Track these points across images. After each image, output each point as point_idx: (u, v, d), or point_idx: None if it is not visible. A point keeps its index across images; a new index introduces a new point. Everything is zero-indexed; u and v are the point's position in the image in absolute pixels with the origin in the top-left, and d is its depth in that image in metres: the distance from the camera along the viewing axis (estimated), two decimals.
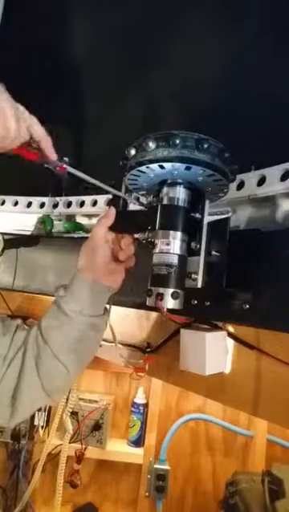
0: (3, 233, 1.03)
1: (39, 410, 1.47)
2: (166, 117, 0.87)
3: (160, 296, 0.55)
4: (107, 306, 0.65)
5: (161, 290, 0.55)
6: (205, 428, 1.50)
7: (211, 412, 1.46)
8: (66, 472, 1.28)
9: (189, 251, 0.58)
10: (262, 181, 0.64)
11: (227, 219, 0.59)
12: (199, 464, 1.49)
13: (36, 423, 1.48)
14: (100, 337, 0.65)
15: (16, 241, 1.02)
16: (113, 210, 0.61)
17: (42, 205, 1.03)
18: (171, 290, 0.55)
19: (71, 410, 1.24)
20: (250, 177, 0.65)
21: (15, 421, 0.61)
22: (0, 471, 1.56)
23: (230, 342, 0.74)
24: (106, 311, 0.64)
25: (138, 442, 1.49)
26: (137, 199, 0.65)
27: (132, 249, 0.63)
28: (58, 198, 1.01)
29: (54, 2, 1.13)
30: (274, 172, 0.62)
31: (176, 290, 0.55)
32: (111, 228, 0.61)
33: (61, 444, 1.31)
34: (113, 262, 0.63)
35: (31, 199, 1.05)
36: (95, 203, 0.92)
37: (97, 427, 1.45)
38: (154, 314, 0.90)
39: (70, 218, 1.01)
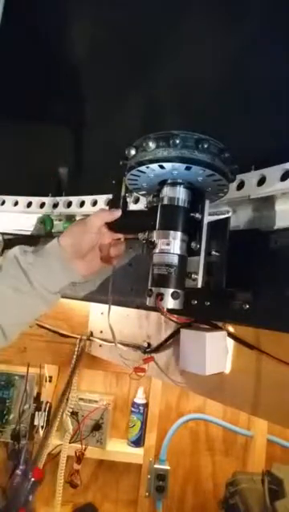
0: (3, 233, 1.03)
1: (39, 410, 1.47)
2: (166, 117, 0.87)
3: (161, 296, 0.55)
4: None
5: (161, 290, 0.55)
6: (205, 428, 1.49)
7: (211, 412, 1.45)
8: (66, 472, 1.27)
9: (189, 251, 0.58)
10: (262, 181, 0.64)
11: (227, 219, 0.59)
12: (199, 464, 1.49)
13: (36, 423, 1.48)
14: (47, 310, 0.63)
15: (16, 241, 1.02)
16: (119, 211, 0.61)
17: (42, 205, 1.03)
18: (171, 290, 0.55)
19: (71, 410, 1.24)
20: (250, 177, 0.65)
21: None
22: (0, 471, 1.56)
23: (230, 342, 0.74)
24: (59, 291, 0.62)
25: (138, 442, 1.48)
26: (137, 199, 0.65)
27: (121, 248, 0.64)
28: (58, 198, 1.01)
29: (54, 1, 1.13)
30: (274, 172, 0.62)
31: (176, 290, 0.55)
32: (112, 228, 0.61)
33: (61, 444, 1.30)
34: (95, 251, 0.62)
35: (31, 199, 1.05)
36: (95, 203, 0.92)
37: (97, 427, 1.44)
38: (154, 314, 0.90)
39: (70, 218, 1.01)
